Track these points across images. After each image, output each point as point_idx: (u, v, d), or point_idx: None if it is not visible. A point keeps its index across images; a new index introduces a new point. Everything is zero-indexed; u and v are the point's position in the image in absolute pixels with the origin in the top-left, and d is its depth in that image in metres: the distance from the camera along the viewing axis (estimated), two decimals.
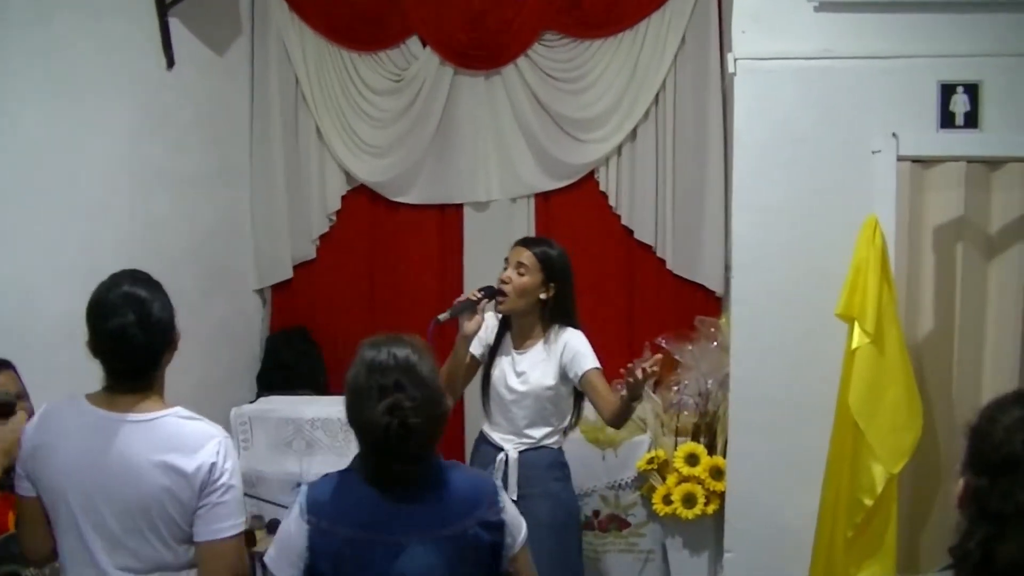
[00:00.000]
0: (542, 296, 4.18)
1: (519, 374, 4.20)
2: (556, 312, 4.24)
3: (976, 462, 2.09)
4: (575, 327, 4.26)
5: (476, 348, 4.26)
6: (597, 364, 4.15)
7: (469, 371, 4.35)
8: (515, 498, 4.05)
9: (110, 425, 2.76)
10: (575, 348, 4.16)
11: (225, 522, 2.76)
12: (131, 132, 5.09)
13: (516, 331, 4.24)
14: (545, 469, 4.23)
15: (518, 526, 2.75)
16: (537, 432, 4.21)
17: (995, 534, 1.98)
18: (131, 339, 2.74)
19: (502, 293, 4.13)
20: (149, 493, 2.71)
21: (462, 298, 4.10)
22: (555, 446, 4.30)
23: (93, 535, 2.74)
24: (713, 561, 5.27)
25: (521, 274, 4.13)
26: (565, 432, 4.36)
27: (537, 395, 4.16)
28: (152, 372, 2.84)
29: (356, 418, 2.60)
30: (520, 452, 4.18)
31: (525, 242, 4.29)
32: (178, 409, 2.84)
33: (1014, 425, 2.04)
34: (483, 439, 4.32)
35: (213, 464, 2.74)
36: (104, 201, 4.85)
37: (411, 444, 2.55)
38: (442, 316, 4.06)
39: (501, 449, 4.21)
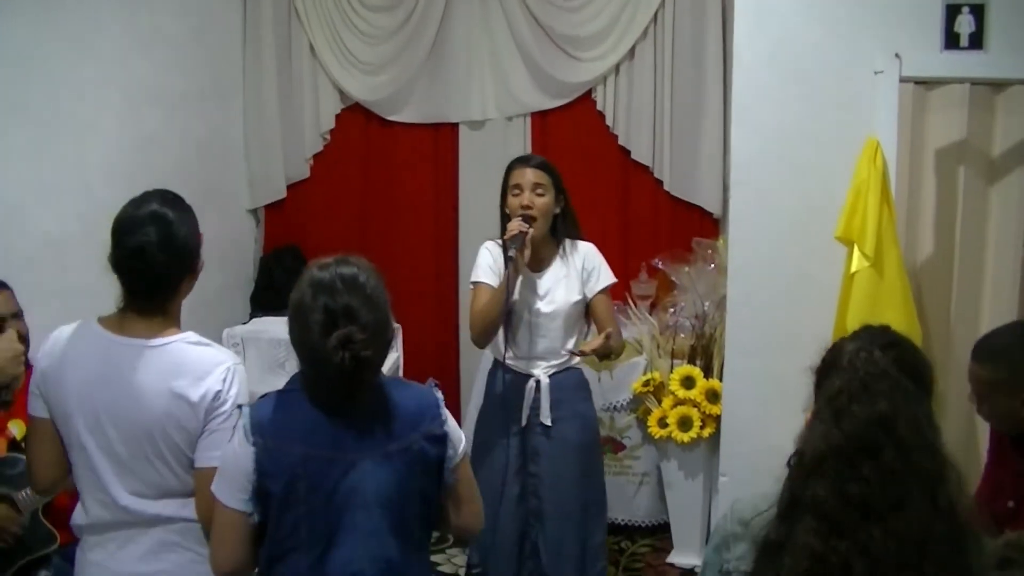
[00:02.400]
0: (556, 211, 4.11)
1: (543, 296, 4.12)
2: (568, 225, 4.19)
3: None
4: (583, 238, 4.22)
5: (492, 279, 4.13)
6: (611, 280, 4.16)
7: None
8: (548, 423, 4.09)
9: (119, 349, 2.74)
10: (595, 262, 4.14)
11: (222, 449, 2.73)
12: (121, 50, 5.01)
13: (532, 254, 4.14)
14: (573, 390, 4.21)
15: (459, 438, 2.73)
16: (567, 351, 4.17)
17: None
18: (150, 258, 2.70)
19: (532, 219, 4.01)
20: (154, 419, 2.69)
21: (512, 232, 3.98)
22: (579, 365, 4.29)
23: (102, 459, 2.73)
24: (708, 484, 5.29)
25: (540, 194, 4.03)
26: None
27: (567, 314, 4.11)
28: (168, 296, 2.79)
29: (301, 341, 2.55)
30: (551, 376, 4.15)
31: (526, 161, 4.16)
32: (188, 334, 2.81)
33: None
34: (504, 368, 4.18)
35: (218, 391, 2.72)
36: (93, 120, 4.79)
37: (365, 375, 2.52)
38: (511, 252, 3.94)
39: (529, 376, 4.16)
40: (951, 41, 4.14)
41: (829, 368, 2.21)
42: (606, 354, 4.00)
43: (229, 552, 2.62)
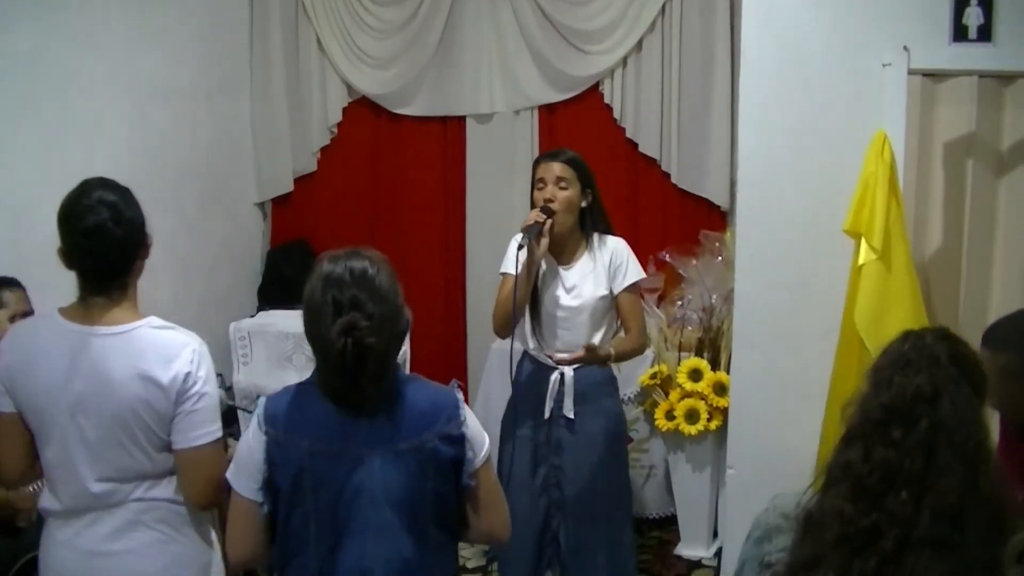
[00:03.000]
0: (583, 205, 4.11)
1: (569, 289, 4.12)
2: (596, 219, 4.18)
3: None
4: (612, 233, 4.21)
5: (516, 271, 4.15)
6: (638, 276, 4.15)
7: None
8: (571, 416, 4.09)
9: (84, 339, 2.75)
10: (623, 257, 4.13)
11: (200, 429, 2.77)
12: (128, 46, 5.02)
13: (559, 247, 4.14)
14: (598, 385, 4.19)
15: (480, 441, 2.69)
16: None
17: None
18: (108, 235, 2.72)
19: (553, 213, 4.01)
20: (126, 404, 2.72)
21: (529, 222, 3.99)
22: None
23: (75, 448, 2.74)
24: (715, 477, 5.29)
25: (563, 188, 4.04)
26: None
27: (593, 308, 4.10)
28: (125, 276, 2.81)
29: (313, 334, 2.55)
30: (575, 370, 4.15)
31: (552, 156, 4.17)
32: (151, 319, 2.82)
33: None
34: (531, 360, 4.23)
35: (188, 373, 2.75)
36: (101, 117, 4.80)
37: (368, 364, 2.50)
38: (522, 242, 3.95)
39: (554, 369, 4.15)
40: (959, 34, 4.13)
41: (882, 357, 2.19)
42: (610, 359, 4.00)
43: (242, 540, 2.64)
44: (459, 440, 2.63)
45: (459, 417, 2.64)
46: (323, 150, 6.52)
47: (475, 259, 6.38)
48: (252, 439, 2.59)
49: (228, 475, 2.64)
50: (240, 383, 4.89)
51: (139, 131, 5.09)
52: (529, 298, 4.11)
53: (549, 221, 3.95)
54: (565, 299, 4.10)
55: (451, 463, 2.63)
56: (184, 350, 2.77)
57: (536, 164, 4.16)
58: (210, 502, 2.87)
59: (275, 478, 2.55)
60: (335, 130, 6.48)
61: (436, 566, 2.68)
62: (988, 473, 2.00)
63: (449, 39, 6.17)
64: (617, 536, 4.24)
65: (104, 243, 2.73)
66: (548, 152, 4.33)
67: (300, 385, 2.68)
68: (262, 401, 2.63)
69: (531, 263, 3.98)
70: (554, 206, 4.00)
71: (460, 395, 2.71)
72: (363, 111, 6.46)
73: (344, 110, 6.47)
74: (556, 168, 4.05)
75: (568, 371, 4.10)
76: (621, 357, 4.12)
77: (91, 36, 4.72)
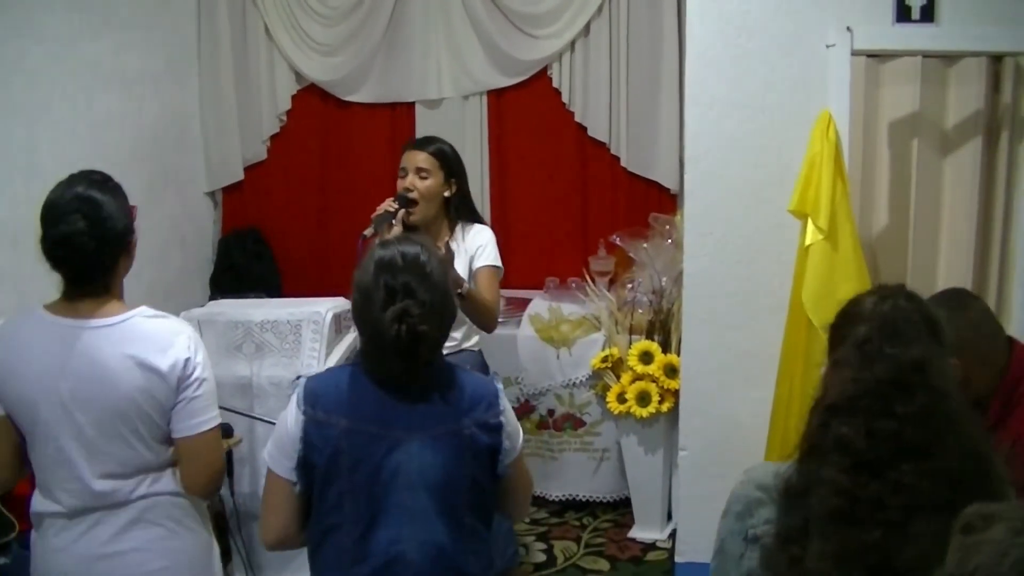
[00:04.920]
0: (446, 195, 4.19)
1: None
2: (461, 209, 4.27)
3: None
4: (481, 222, 4.31)
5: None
6: (495, 263, 4.20)
7: None
8: None
9: (75, 332, 2.72)
10: (479, 243, 4.19)
11: (202, 416, 2.78)
12: (71, 32, 4.95)
13: (424, 235, 4.18)
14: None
15: (517, 431, 2.75)
16: (458, 333, 4.22)
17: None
18: (79, 247, 2.68)
19: (412, 202, 4.09)
20: (126, 395, 2.69)
21: (379, 210, 4.04)
22: (475, 348, 4.35)
23: (72, 445, 2.71)
24: (668, 459, 5.31)
25: (424, 177, 4.12)
26: None
27: None
28: (108, 278, 2.78)
29: (363, 318, 2.59)
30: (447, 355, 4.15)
31: (417, 145, 4.26)
32: (143, 309, 2.81)
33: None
34: None
35: (187, 359, 2.75)
36: (44, 104, 4.73)
37: (421, 350, 2.55)
38: (367, 231, 3.99)
39: None
40: (903, 14, 4.15)
41: (849, 320, 2.19)
42: (463, 291, 3.93)
43: (275, 520, 2.66)
44: (496, 429, 2.67)
45: (498, 406, 2.69)
46: (273, 138, 6.47)
47: None
48: (290, 417, 2.61)
49: (266, 454, 2.67)
50: None
51: (84, 118, 5.02)
52: None
53: (401, 210, 4.03)
54: None
55: (488, 451, 2.66)
56: (179, 337, 2.77)
57: (402, 151, 4.25)
58: (212, 490, 2.90)
59: (311, 457, 2.57)
60: (284, 118, 6.44)
61: (470, 552, 2.69)
62: (976, 429, 2.05)
63: (397, 25, 6.14)
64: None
65: (76, 254, 2.70)
66: (417, 139, 4.45)
67: (344, 367, 2.74)
68: (302, 381, 2.66)
69: None
70: (413, 196, 4.09)
71: (500, 385, 2.76)
72: (312, 98, 6.42)
73: (293, 98, 6.42)
74: (419, 157, 4.15)
75: None
76: (473, 302, 4.05)
77: (32, 21, 4.66)
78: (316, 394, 2.61)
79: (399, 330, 2.49)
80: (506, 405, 2.73)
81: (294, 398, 2.62)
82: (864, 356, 2.07)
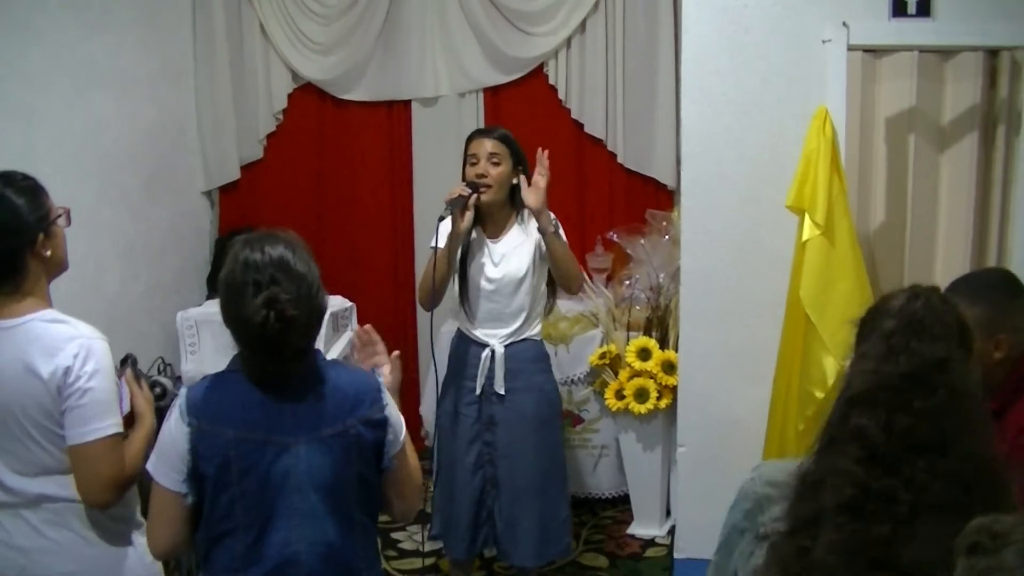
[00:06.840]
0: (514, 182, 4.17)
1: (497, 262, 4.17)
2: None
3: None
4: None
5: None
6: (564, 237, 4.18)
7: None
8: (502, 392, 4.14)
9: None
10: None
11: (88, 425, 2.73)
12: (68, 33, 4.94)
13: (489, 223, 4.21)
14: (530, 362, 4.25)
15: (400, 424, 2.74)
16: (520, 320, 4.20)
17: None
18: None
19: (484, 187, 4.08)
20: (13, 398, 2.71)
21: (453, 195, 4.03)
22: (537, 337, 4.32)
23: None
24: (666, 455, 5.31)
25: (496, 163, 4.11)
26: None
27: (519, 280, 4.15)
28: (18, 278, 2.78)
29: (233, 316, 2.55)
30: (506, 346, 4.18)
31: (485, 133, 4.26)
32: (45, 312, 2.80)
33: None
34: (464, 338, 4.29)
35: (68, 368, 2.71)
36: (40, 105, 4.72)
37: (290, 337, 2.51)
38: (443, 212, 4.01)
39: (485, 345, 4.20)
40: (899, 9, 4.15)
41: (878, 314, 2.18)
42: (550, 233, 4.06)
43: (164, 532, 2.64)
44: (381, 424, 2.68)
45: (381, 401, 2.70)
46: (269, 137, 6.46)
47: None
48: (175, 430, 2.57)
49: (148, 466, 2.64)
50: (189, 372, 4.84)
51: (80, 118, 5.00)
52: (457, 270, 4.17)
53: (474, 195, 4.02)
54: (492, 271, 4.16)
55: (373, 447, 2.67)
56: (69, 344, 2.74)
57: (469, 140, 4.22)
58: (103, 501, 2.82)
59: (200, 467, 2.55)
60: (280, 116, 6.43)
61: (359, 547, 2.71)
62: (990, 436, 2.04)
63: (393, 23, 6.14)
64: (552, 512, 4.27)
65: None
66: (481, 128, 4.48)
67: (221, 374, 2.68)
68: (183, 391, 2.63)
69: (454, 235, 4.04)
70: (487, 181, 4.07)
71: (381, 379, 2.76)
72: (308, 97, 6.41)
73: (289, 96, 6.41)
74: (489, 144, 4.13)
75: (499, 347, 4.16)
76: (561, 251, 4.11)
77: (29, 22, 4.65)
78: (199, 405, 2.58)
79: (267, 316, 2.45)
80: (388, 399, 2.73)
81: (176, 410, 2.59)
82: (889, 349, 2.06)
